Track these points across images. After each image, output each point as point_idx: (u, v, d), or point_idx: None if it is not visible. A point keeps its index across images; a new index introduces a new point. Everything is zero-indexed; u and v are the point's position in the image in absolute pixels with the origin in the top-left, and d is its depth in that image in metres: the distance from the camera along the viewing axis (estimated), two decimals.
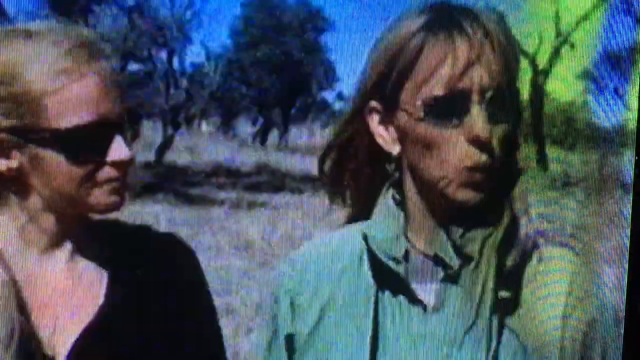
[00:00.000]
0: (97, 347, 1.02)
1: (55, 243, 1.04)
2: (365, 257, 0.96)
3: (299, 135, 4.53)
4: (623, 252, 1.05)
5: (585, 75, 1.51)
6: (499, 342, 0.90)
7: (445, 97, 0.88)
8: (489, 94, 0.88)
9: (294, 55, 4.28)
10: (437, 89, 0.88)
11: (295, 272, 1.00)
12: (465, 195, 0.91)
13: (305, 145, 4.37)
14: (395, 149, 0.97)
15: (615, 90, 1.61)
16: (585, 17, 1.48)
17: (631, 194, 1.14)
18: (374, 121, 0.97)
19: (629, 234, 1.07)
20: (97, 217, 1.10)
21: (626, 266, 1.09)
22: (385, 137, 0.97)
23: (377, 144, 0.98)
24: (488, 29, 0.89)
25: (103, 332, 1.03)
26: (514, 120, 0.93)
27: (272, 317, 1.02)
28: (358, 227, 0.98)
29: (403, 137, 0.95)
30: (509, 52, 0.92)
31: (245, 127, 4.52)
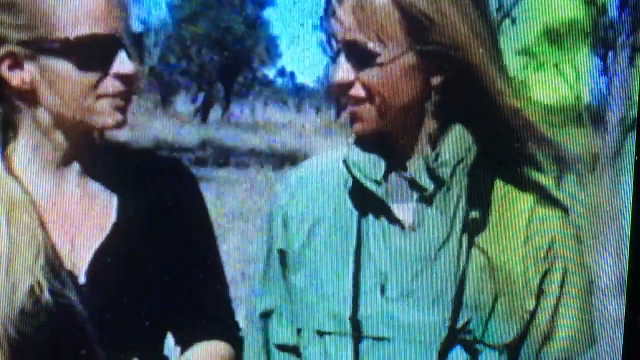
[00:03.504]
0: (113, 262, 1.07)
1: (67, 161, 1.07)
2: (349, 180, 1.03)
3: (241, 111, 4.51)
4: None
5: (525, 51, 1.57)
6: (467, 259, 0.97)
7: None
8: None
9: (235, 30, 4.25)
10: None
11: (287, 191, 1.06)
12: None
13: (247, 121, 4.36)
14: None
15: (556, 66, 1.66)
16: None
17: (631, 197, 1.20)
18: None
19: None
20: (105, 138, 1.13)
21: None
22: None
23: None
24: None
25: (118, 247, 1.07)
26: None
27: (267, 233, 1.08)
28: (342, 152, 1.04)
29: None
30: None
31: (185, 104, 4.48)
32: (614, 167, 1.25)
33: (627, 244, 1.15)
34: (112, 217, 1.11)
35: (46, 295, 1.01)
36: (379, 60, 0.98)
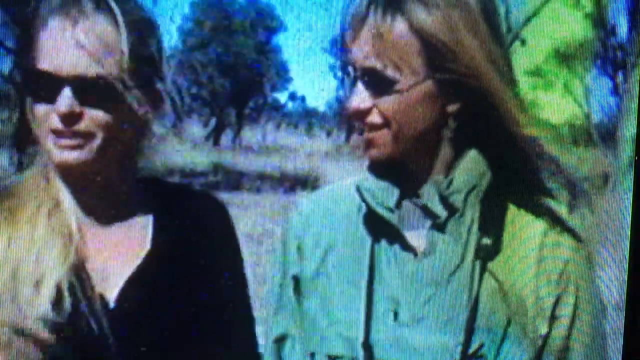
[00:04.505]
0: (143, 290, 1.06)
1: (98, 195, 1.06)
2: (363, 207, 1.03)
3: (252, 135, 4.53)
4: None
5: (535, 71, 1.57)
6: (480, 284, 0.97)
7: None
8: None
9: (246, 55, 4.29)
10: None
11: (301, 218, 1.06)
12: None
13: (259, 145, 4.38)
14: None
15: (565, 86, 1.66)
16: (535, 13, 1.53)
17: (631, 196, 1.19)
18: None
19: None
20: (138, 174, 1.12)
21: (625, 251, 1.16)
22: None
23: None
24: None
25: (149, 276, 1.06)
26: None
27: (282, 260, 1.08)
28: (355, 179, 1.05)
29: None
30: None
31: (197, 128, 4.51)
32: (624, 185, 1.25)
33: (627, 244, 1.15)
34: (147, 246, 1.10)
35: (67, 303, 1.01)
36: (396, 87, 0.98)
